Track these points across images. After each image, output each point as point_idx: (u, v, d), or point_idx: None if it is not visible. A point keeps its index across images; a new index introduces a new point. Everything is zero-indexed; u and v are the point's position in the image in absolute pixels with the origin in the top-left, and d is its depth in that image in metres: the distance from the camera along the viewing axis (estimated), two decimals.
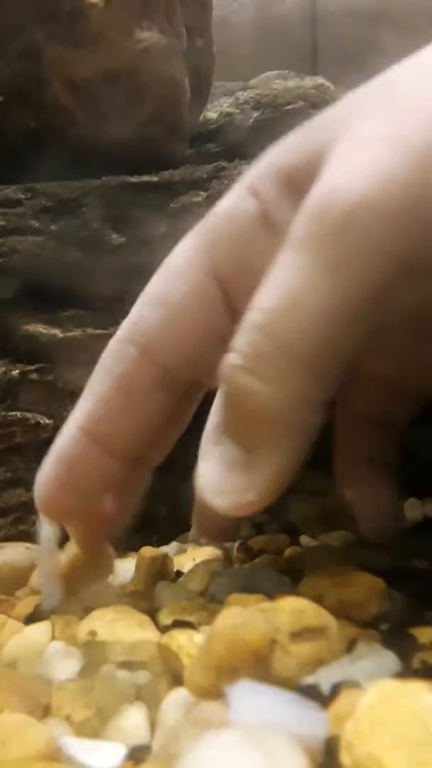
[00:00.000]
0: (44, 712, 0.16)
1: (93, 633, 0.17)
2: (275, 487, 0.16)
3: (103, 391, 0.18)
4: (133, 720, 0.16)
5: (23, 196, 0.28)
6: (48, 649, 0.18)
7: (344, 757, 0.12)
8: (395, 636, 0.17)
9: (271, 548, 0.23)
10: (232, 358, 0.16)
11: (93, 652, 0.17)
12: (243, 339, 0.15)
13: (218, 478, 0.16)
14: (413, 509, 0.26)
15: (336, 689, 0.15)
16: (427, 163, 0.14)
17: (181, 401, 0.18)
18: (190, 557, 0.24)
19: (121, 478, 0.18)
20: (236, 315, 0.16)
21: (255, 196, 0.17)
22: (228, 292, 0.17)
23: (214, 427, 0.17)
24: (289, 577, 0.21)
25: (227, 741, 0.12)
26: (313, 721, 0.13)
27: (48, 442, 0.27)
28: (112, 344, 0.18)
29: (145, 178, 0.28)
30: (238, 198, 0.17)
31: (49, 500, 0.18)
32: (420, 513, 0.26)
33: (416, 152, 0.14)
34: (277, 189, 0.16)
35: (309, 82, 0.43)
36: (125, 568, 0.24)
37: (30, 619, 0.20)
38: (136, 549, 0.24)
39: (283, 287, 0.15)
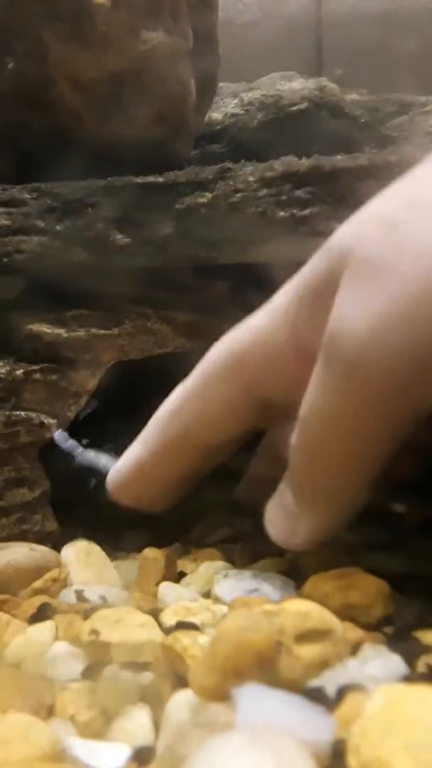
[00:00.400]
0: (48, 712, 0.16)
1: (96, 633, 0.17)
2: (316, 539, 0.19)
3: (155, 445, 0.23)
4: (137, 721, 0.16)
5: (29, 196, 0.28)
6: (52, 650, 0.18)
7: (351, 761, 0.12)
8: (401, 639, 0.17)
9: (274, 550, 0.23)
10: (293, 441, 0.19)
11: (97, 653, 0.17)
12: (296, 434, 0.19)
13: (276, 515, 0.20)
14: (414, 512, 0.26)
15: (342, 692, 0.14)
16: (421, 310, 0.16)
17: (208, 460, 0.23)
18: (193, 558, 0.24)
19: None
20: (265, 404, 0.21)
21: (287, 321, 0.20)
22: (258, 395, 0.21)
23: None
24: (292, 578, 0.20)
25: (235, 744, 0.12)
26: (319, 724, 0.13)
27: (52, 441, 0.27)
28: (163, 413, 0.23)
29: (150, 178, 0.28)
30: (272, 321, 0.20)
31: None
32: (424, 516, 0.26)
33: (411, 303, 0.16)
34: (308, 309, 0.19)
35: (313, 83, 0.43)
36: (128, 569, 0.24)
37: (34, 618, 0.19)
38: (139, 550, 0.24)
39: (314, 405, 0.18)
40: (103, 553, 0.24)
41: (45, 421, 0.26)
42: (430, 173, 0.17)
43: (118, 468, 0.23)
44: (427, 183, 0.17)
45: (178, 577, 0.23)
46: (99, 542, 0.24)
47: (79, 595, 0.21)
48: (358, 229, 0.18)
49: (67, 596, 0.21)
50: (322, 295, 0.18)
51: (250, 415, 0.21)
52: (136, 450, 0.23)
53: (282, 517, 0.20)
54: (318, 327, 0.18)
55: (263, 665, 0.15)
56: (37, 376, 0.26)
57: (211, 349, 0.22)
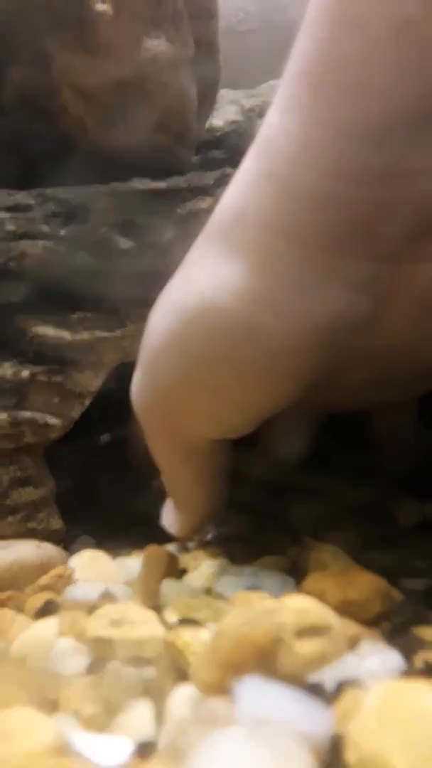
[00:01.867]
0: (52, 707, 0.16)
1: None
2: (187, 532, 0.25)
3: None
4: (140, 716, 0.16)
5: (33, 201, 0.28)
6: (57, 645, 0.18)
7: (349, 756, 0.12)
8: (399, 635, 0.17)
9: (274, 548, 0.24)
10: None
11: (100, 648, 0.18)
12: None
13: (167, 510, 0.25)
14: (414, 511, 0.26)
15: (340, 687, 0.15)
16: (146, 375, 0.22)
17: None
18: (193, 555, 0.24)
19: None
20: None
21: None
22: None
23: None
24: (292, 576, 0.21)
25: (235, 738, 0.13)
26: (318, 719, 0.14)
27: (56, 442, 0.27)
28: None
29: (153, 184, 0.29)
30: None
31: None
32: (420, 514, 0.26)
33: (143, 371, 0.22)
34: None
35: None
36: (131, 566, 0.24)
37: (40, 614, 0.20)
38: (141, 547, 0.24)
39: None
40: (107, 557, 0.24)
41: (50, 421, 0.27)
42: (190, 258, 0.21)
43: None
44: (189, 262, 0.21)
45: (180, 574, 0.23)
46: (103, 540, 0.24)
47: (106, 592, 0.21)
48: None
49: (88, 593, 0.21)
50: None
51: None
52: None
53: (169, 514, 0.25)
54: None
55: (263, 661, 0.15)
56: (42, 377, 0.27)
57: None
